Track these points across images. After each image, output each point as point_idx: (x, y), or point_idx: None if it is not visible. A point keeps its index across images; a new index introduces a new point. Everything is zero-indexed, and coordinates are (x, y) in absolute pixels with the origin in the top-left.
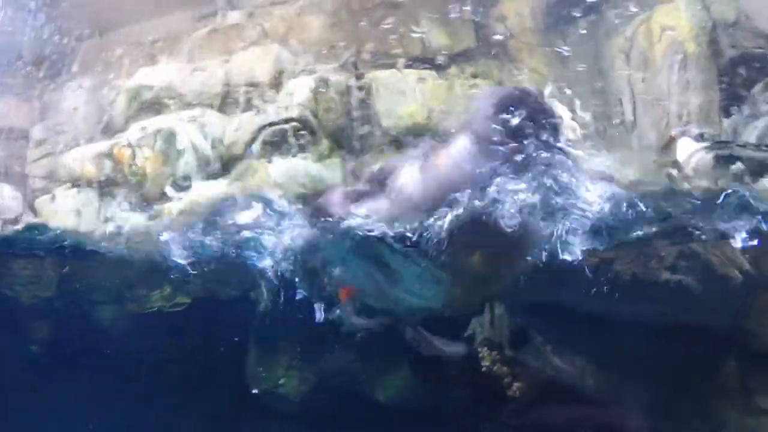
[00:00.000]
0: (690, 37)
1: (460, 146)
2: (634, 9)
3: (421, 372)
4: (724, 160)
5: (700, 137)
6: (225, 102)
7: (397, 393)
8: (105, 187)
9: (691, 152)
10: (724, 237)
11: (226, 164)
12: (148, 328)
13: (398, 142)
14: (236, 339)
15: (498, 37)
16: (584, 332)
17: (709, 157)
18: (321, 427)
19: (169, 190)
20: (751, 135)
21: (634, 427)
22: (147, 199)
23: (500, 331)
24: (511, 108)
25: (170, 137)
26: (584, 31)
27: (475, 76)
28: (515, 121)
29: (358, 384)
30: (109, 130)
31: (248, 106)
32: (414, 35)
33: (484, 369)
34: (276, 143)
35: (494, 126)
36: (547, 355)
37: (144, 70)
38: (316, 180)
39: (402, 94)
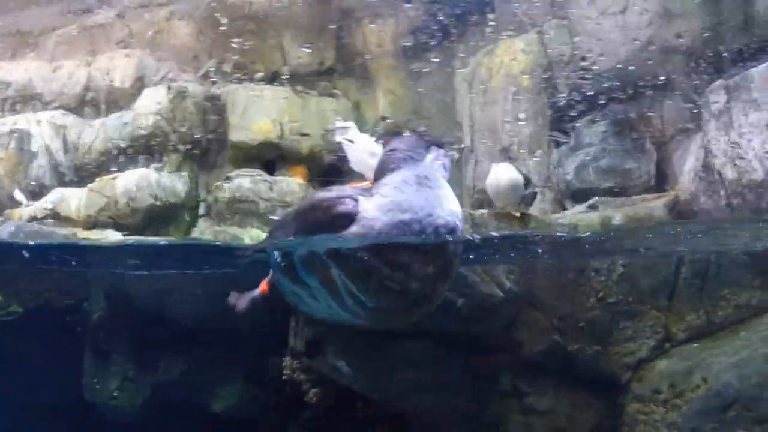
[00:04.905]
0: (525, 71)
1: None
2: (480, 42)
3: (252, 382)
4: None
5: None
6: (83, 105)
7: (231, 403)
8: None
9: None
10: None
11: (79, 170)
12: None
13: (251, 157)
14: (71, 350)
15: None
16: (369, 342)
17: None
18: None
19: (17, 195)
20: (570, 166)
21: (418, 426)
22: None
23: (300, 341)
24: None
25: (24, 138)
26: (437, 59)
27: (332, 95)
28: None
29: (193, 395)
30: None
31: (106, 111)
32: (276, 51)
33: (285, 377)
34: (130, 152)
35: None
36: (340, 363)
37: (3, 65)
38: (168, 191)
39: (256, 110)
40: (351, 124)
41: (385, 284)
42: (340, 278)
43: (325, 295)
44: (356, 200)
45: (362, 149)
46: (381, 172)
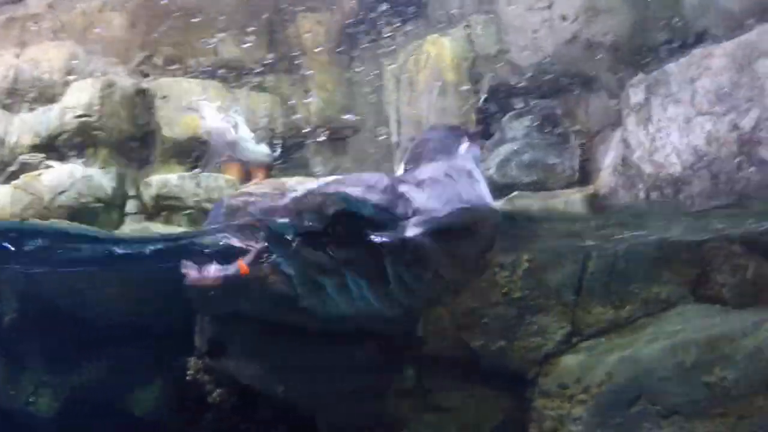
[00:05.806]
0: (451, 66)
1: None
2: (408, 37)
3: (169, 383)
4: None
5: None
6: (11, 98)
7: (149, 405)
8: None
9: None
10: None
11: (6, 166)
12: None
13: (181, 152)
14: None
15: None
16: (271, 342)
17: None
18: None
19: None
20: (493, 161)
21: (322, 426)
22: None
23: (204, 341)
24: None
25: None
26: (369, 54)
27: (263, 89)
28: None
29: (112, 397)
30: None
31: (34, 104)
32: (207, 45)
33: (188, 378)
34: (57, 146)
35: None
36: (242, 363)
37: None
38: (95, 188)
39: (186, 104)
40: (207, 103)
41: (439, 272)
42: (393, 269)
43: (364, 285)
44: (408, 200)
45: (216, 126)
46: (414, 160)
